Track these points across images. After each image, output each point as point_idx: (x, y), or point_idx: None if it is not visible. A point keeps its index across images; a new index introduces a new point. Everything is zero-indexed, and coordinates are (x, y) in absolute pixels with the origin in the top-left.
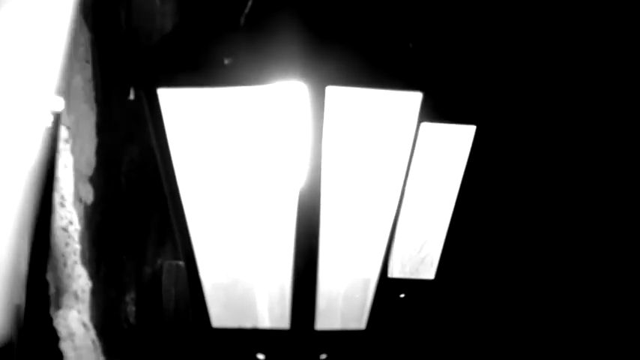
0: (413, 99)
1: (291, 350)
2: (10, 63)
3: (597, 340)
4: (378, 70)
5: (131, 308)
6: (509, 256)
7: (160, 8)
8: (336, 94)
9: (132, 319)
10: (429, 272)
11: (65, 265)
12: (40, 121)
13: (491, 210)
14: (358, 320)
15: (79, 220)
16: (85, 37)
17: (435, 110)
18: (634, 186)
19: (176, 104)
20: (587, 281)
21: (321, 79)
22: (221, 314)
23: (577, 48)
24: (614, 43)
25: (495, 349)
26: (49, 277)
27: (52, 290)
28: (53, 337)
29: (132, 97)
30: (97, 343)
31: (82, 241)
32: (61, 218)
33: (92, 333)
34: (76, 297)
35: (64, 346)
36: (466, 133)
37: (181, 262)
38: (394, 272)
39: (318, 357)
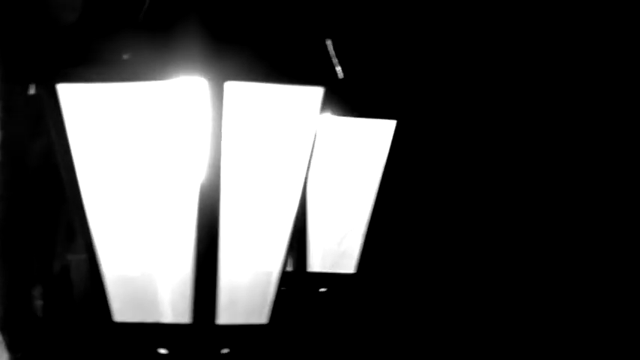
0: (314, 94)
1: (192, 345)
2: None
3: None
4: (278, 66)
5: (38, 303)
6: (429, 249)
7: (68, 3)
8: (236, 89)
9: (39, 314)
10: (349, 266)
11: None
12: None
13: (411, 204)
14: (260, 314)
15: None
16: None
17: (355, 105)
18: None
19: (76, 100)
20: (504, 271)
21: (219, 75)
22: (123, 309)
23: (496, 42)
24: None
25: (414, 342)
26: None
27: None
28: None
29: (32, 92)
30: (1, 337)
31: None
32: None
33: None
34: None
35: None
36: (387, 127)
37: None
38: (314, 266)
39: (220, 351)
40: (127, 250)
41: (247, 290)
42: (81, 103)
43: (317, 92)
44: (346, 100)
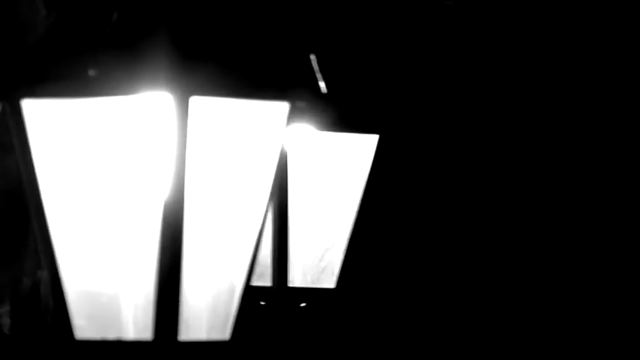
0: (280, 109)
1: None
2: None
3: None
4: (244, 81)
5: (6, 320)
6: (410, 264)
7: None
8: (202, 104)
9: (6, 331)
10: (330, 281)
11: None
12: None
13: (393, 219)
14: (222, 330)
15: None
16: None
17: (337, 120)
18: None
19: (41, 115)
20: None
21: (185, 89)
22: (84, 325)
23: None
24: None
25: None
26: None
27: None
28: None
29: None
30: None
31: None
32: None
33: None
34: None
35: None
36: (369, 142)
37: None
38: (295, 281)
39: None
40: (90, 266)
41: (210, 306)
42: (47, 119)
43: (283, 107)
44: (328, 114)
